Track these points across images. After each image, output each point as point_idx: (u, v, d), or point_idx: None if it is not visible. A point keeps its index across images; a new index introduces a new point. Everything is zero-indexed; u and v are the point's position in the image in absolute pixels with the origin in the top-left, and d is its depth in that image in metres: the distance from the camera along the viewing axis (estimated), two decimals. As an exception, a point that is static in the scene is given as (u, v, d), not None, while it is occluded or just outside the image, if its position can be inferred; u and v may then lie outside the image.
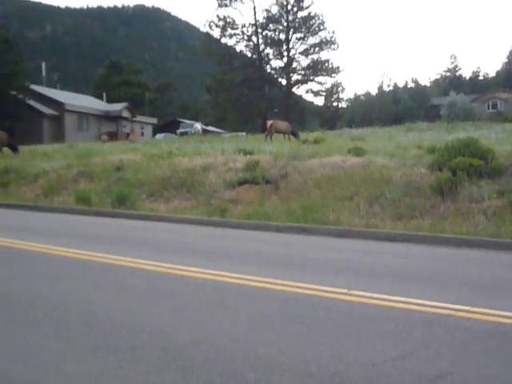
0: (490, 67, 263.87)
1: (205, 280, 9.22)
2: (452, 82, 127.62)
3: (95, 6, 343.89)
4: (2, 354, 6.12)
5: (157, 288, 8.87)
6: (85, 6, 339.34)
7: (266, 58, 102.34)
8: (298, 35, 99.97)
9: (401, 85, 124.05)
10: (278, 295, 8.28)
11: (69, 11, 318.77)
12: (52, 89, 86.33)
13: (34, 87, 75.12)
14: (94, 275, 9.90)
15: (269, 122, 41.48)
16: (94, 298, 8.30)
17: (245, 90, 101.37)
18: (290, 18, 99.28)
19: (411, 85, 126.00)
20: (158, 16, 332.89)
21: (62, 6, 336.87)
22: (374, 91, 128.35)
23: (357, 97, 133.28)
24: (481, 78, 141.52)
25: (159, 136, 74.91)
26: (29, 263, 11.21)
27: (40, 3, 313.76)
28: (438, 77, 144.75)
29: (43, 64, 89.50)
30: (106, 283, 9.26)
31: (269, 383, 5.19)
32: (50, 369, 5.68)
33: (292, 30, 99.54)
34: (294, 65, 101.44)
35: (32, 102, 71.45)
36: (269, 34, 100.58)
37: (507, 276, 10.30)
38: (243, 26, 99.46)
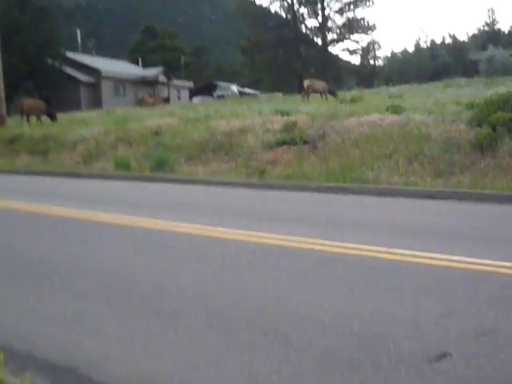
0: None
1: (245, 242, 9.25)
2: (490, 37, 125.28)
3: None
4: (46, 319, 6.21)
5: (199, 251, 8.93)
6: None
7: (301, 18, 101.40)
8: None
9: (438, 41, 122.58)
10: (318, 255, 8.29)
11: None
12: (88, 56, 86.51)
13: (69, 55, 75.38)
14: (135, 239, 9.98)
15: (306, 82, 41.22)
16: (135, 262, 8.38)
17: (280, 51, 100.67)
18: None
19: (449, 40, 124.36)
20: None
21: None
22: (410, 48, 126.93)
23: (394, 54, 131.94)
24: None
25: (196, 99, 74.78)
26: (70, 229, 11.34)
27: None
28: (476, 31, 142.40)
29: (78, 31, 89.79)
30: (147, 247, 9.33)
31: (311, 343, 5.22)
32: (95, 333, 5.76)
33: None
34: (329, 23, 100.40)
35: (68, 70, 71.74)
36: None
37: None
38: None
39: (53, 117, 36.36)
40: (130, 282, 7.38)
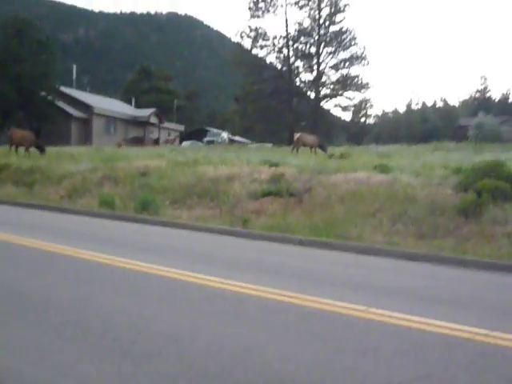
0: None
1: (224, 290, 9.22)
2: (481, 104, 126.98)
3: (128, 11, 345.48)
4: (18, 354, 6.14)
5: (176, 295, 8.88)
6: (118, 11, 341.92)
7: (296, 71, 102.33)
8: (329, 49, 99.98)
9: (429, 104, 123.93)
10: (296, 309, 8.26)
11: (102, 15, 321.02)
12: (82, 91, 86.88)
13: (63, 89, 75.74)
14: (113, 279, 9.93)
15: (296, 135, 41.53)
16: (112, 302, 8.32)
17: (273, 102, 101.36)
18: (322, 31, 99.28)
19: (440, 104, 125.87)
20: (190, 24, 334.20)
21: (96, 9, 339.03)
22: (402, 109, 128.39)
23: (385, 114, 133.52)
24: (510, 100, 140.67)
25: (186, 143, 75.03)
26: (48, 264, 11.29)
27: (74, 6, 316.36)
28: (467, 97, 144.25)
29: (74, 66, 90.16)
30: (125, 288, 9.28)
31: (283, 398, 5.18)
32: (66, 370, 5.70)
33: (323, 43, 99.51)
34: (324, 79, 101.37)
35: (61, 104, 72.04)
36: (300, 46, 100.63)
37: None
38: (274, 37, 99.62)
39: (41, 149, 36.38)
40: (105, 320, 7.32)
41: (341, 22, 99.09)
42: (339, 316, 7.95)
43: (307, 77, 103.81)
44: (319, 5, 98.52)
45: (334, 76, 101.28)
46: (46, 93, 70.35)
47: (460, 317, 8.17)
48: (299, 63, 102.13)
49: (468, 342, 7.00)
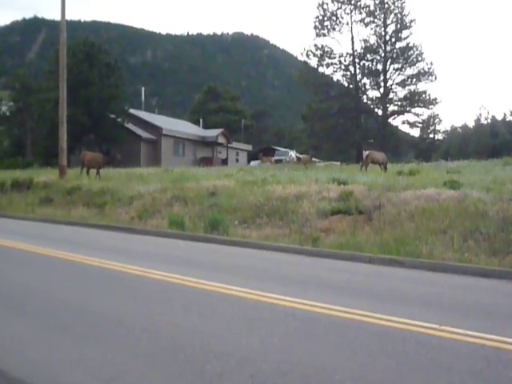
0: None
1: (294, 309, 9.22)
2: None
3: (195, 33, 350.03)
4: (91, 374, 6.23)
5: (247, 315, 8.91)
6: (185, 33, 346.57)
7: (363, 88, 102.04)
8: (396, 66, 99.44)
9: (499, 118, 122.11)
10: (367, 327, 8.22)
11: (169, 37, 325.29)
12: (150, 113, 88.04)
13: (132, 111, 76.88)
14: (184, 299, 10.00)
15: (365, 153, 41.35)
16: (183, 322, 8.38)
17: (340, 120, 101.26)
18: (388, 48, 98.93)
19: (510, 118, 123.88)
20: (256, 43, 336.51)
21: (163, 32, 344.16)
22: (471, 123, 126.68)
23: (453, 129, 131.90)
24: None
25: (254, 163, 75.32)
26: (120, 284, 11.42)
27: (142, 29, 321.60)
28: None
29: (143, 89, 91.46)
30: (196, 307, 9.34)
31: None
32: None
33: (390, 60, 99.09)
34: (391, 95, 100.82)
35: (130, 126, 73.10)
36: (366, 64, 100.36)
37: None
38: (341, 55, 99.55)
39: (110, 161, 37.55)
40: (176, 340, 7.38)
41: (407, 37, 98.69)
42: (411, 334, 7.88)
43: (374, 94, 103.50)
44: (385, 21, 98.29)
45: (401, 92, 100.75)
46: (115, 115, 71.56)
47: (535, 334, 8.04)
48: (366, 80, 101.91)
49: (545, 360, 6.89)
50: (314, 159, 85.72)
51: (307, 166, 41.72)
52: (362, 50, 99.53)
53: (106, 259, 13.99)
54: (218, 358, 6.65)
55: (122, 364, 6.50)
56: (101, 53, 74.45)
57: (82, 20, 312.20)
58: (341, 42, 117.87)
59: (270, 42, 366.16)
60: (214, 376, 6.08)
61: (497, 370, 6.46)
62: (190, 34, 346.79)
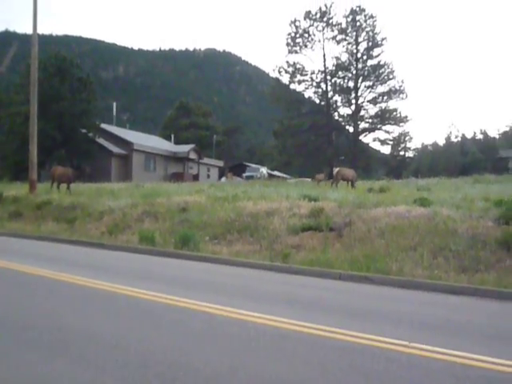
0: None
1: (264, 325, 9.21)
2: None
3: (167, 48, 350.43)
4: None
5: (216, 331, 8.89)
6: (157, 49, 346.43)
7: (334, 105, 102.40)
8: (367, 83, 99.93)
9: (469, 136, 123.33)
10: (337, 344, 8.23)
11: (141, 53, 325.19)
12: (121, 128, 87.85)
13: (104, 126, 76.64)
14: (155, 315, 9.97)
15: (335, 170, 41.56)
16: (152, 338, 8.35)
17: (312, 137, 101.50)
18: (360, 66, 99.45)
19: (479, 136, 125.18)
20: (228, 60, 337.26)
21: (135, 47, 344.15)
22: (441, 142, 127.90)
23: (424, 146, 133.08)
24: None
25: (225, 179, 75.35)
26: (90, 300, 11.35)
27: (114, 44, 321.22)
28: (507, 129, 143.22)
29: (114, 104, 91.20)
30: (166, 324, 9.30)
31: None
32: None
33: (361, 78, 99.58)
34: (362, 113, 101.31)
35: (102, 141, 72.87)
36: (338, 81, 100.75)
37: None
38: (312, 72, 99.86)
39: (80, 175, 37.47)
40: (146, 357, 7.34)
41: (378, 55, 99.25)
42: (381, 351, 7.90)
43: (346, 111, 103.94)
44: (357, 39, 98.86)
45: (372, 110, 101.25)
46: (87, 130, 71.30)
47: (503, 351, 8.10)
48: (337, 97, 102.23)
49: (511, 377, 6.92)
50: (284, 175, 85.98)
51: (319, 184, 40.97)
52: (334, 68, 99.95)
53: (76, 274, 13.91)
54: (187, 375, 6.62)
55: (91, 380, 6.46)
56: (72, 67, 74.17)
57: (54, 34, 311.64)
58: (313, 59, 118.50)
59: (242, 59, 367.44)
60: (184, 393, 6.06)
61: (465, 387, 6.49)
62: (162, 49, 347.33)
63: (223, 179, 73.58)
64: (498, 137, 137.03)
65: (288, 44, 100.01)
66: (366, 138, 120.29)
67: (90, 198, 31.58)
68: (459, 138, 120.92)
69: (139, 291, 11.93)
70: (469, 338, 9.05)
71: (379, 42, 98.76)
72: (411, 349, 8.02)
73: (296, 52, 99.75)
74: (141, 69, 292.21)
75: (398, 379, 6.71)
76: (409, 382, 6.62)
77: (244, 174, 78.82)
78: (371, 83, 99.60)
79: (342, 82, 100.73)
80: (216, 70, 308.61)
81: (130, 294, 11.70)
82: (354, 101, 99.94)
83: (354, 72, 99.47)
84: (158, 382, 6.39)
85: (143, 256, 19.81)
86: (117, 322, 9.36)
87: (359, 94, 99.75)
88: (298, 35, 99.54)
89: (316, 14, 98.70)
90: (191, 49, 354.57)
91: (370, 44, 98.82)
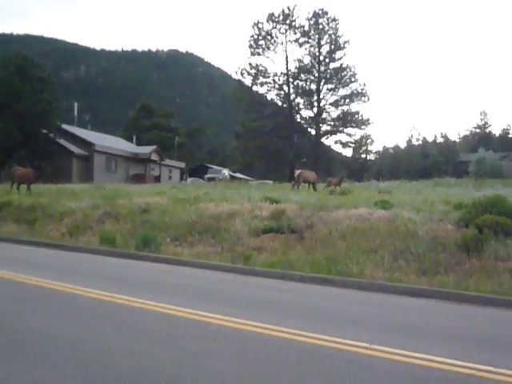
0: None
1: (226, 327, 9.19)
2: (481, 139, 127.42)
3: (130, 49, 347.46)
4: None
5: (177, 333, 8.86)
6: (119, 49, 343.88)
7: (297, 108, 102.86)
8: (329, 86, 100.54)
9: (430, 139, 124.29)
10: (298, 346, 8.24)
11: (104, 53, 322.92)
12: (83, 129, 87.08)
13: (65, 127, 75.85)
14: (115, 317, 9.90)
15: (297, 172, 41.57)
16: (113, 340, 8.29)
17: (274, 139, 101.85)
18: (322, 68, 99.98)
19: (440, 140, 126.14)
20: (190, 61, 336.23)
21: (98, 47, 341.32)
22: (402, 145, 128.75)
23: (385, 149, 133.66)
24: (510, 135, 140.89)
25: (190, 179, 75.13)
26: (50, 302, 11.25)
27: (76, 44, 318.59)
28: (468, 133, 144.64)
29: (75, 104, 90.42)
30: (127, 326, 9.25)
31: None
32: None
33: (323, 80, 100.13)
34: (324, 115, 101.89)
35: (63, 141, 72.12)
36: (300, 83, 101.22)
37: (531, 337, 10.17)
38: (275, 74, 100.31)
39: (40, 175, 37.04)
40: (106, 359, 7.28)
41: (341, 58, 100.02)
42: (341, 353, 7.92)
43: (308, 113, 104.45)
44: (319, 42, 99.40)
45: (334, 112, 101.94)
46: (48, 130, 70.50)
47: (462, 353, 8.16)
48: (300, 100, 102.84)
49: (470, 378, 6.98)
50: (246, 177, 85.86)
51: (333, 189, 39.71)
52: (296, 70, 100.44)
53: (35, 276, 13.77)
54: (148, 377, 6.58)
55: (50, 383, 6.38)
56: (33, 67, 73.35)
57: (15, 33, 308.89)
58: (275, 62, 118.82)
59: (205, 60, 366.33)
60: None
61: (425, 388, 6.52)
62: (124, 49, 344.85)
63: (189, 180, 73.32)
64: (458, 140, 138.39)
65: (251, 46, 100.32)
66: (328, 141, 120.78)
67: (50, 198, 31.27)
68: (420, 142, 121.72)
69: (100, 293, 11.85)
70: (429, 340, 9.11)
71: (341, 45, 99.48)
72: (372, 351, 8.05)
73: (259, 54, 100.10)
74: (103, 69, 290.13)
75: (359, 381, 6.73)
76: (369, 384, 6.65)
77: (206, 176, 78.57)
78: (333, 86, 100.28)
79: (304, 85, 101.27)
80: (178, 72, 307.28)
81: (90, 296, 11.61)
82: (316, 103, 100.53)
83: (317, 75, 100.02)
84: (118, 384, 6.34)
85: (104, 257, 19.67)
86: (77, 324, 9.28)
87: (321, 96, 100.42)
88: (260, 37, 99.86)
89: (279, 16, 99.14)
90: (154, 50, 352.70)
91: (333, 47, 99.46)
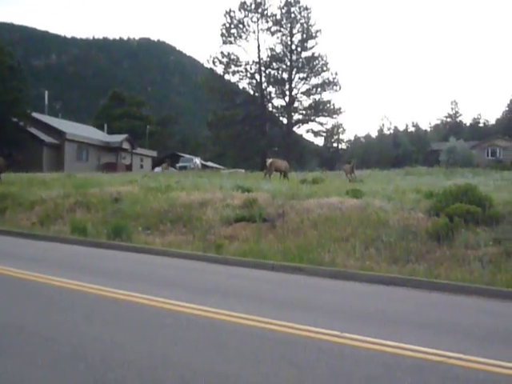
0: (491, 115, 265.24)
1: (197, 316, 9.18)
2: (452, 128, 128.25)
3: (101, 37, 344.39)
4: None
5: (149, 322, 8.83)
6: (91, 37, 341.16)
7: (268, 97, 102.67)
8: (301, 75, 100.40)
9: (401, 128, 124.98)
10: (270, 335, 8.24)
11: (74, 41, 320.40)
12: (53, 117, 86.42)
13: (35, 115, 75.19)
14: (86, 307, 9.85)
15: (268, 161, 41.57)
16: (84, 330, 8.25)
17: (246, 128, 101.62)
18: (294, 57, 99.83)
19: (411, 129, 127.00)
20: (162, 50, 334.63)
21: (68, 35, 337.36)
22: (374, 134, 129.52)
23: (357, 138, 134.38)
24: (481, 125, 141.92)
25: (158, 169, 74.86)
26: (21, 291, 11.18)
27: (46, 32, 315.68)
28: (439, 122, 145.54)
29: (46, 92, 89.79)
30: (98, 315, 9.21)
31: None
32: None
33: (295, 69, 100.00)
34: (296, 104, 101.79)
35: (33, 130, 71.53)
36: (272, 72, 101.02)
37: (500, 325, 10.25)
38: (247, 63, 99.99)
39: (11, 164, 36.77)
40: (77, 349, 7.25)
41: (313, 47, 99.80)
42: (313, 342, 7.94)
43: (280, 102, 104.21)
44: (291, 31, 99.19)
45: (306, 101, 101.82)
46: (18, 119, 69.86)
47: (433, 340, 8.20)
48: (271, 89, 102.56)
49: (441, 366, 7.02)
50: (218, 166, 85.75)
51: (350, 178, 37.63)
52: (268, 59, 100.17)
53: (5, 265, 13.67)
54: (119, 366, 6.55)
55: (20, 373, 6.34)
56: (3, 54, 72.62)
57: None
58: (247, 50, 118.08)
59: (177, 49, 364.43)
60: (115, 385, 6.00)
61: (396, 375, 6.55)
62: (95, 37, 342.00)
63: (159, 169, 72.95)
64: (429, 130, 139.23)
65: (223, 35, 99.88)
66: (300, 130, 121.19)
67: (21, 187, 31.07)
68: (391, 131, 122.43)
69: (70, 282, 11.78)
70: (399, 328, 9.16)
71: (313, 34, 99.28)
72: (343, 339, 8.08)
73: (230, 43, 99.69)
74: (74, 57, 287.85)
75: (330, 369, 6.75)
76: (340, 372, 6.66)
77: (177, 165, 78.34)
78: (305, 75, 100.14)
79: (276, 74, 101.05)
80: (150, 60, 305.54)
81: (60, 286, 11.55)
82: (288, 92, 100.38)
83: (289, 63, 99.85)
84: (90, 374, 6.31)
85: (75, 247, 19.56)
86: (48, 314, 9.23)
87: (293, 85, 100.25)
88: (232, 26, 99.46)
89: (251, 4, 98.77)
90: (125, 38, 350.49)
91: (305, 36, 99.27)
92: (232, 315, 9.21)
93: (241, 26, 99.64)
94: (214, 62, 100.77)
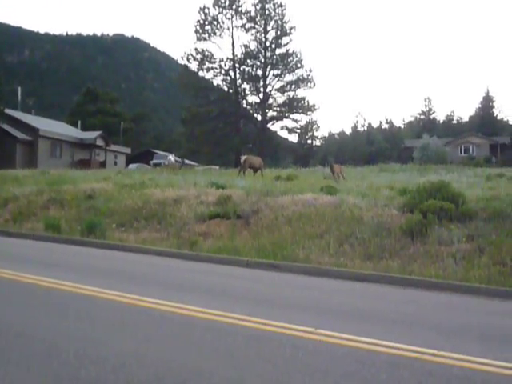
0: (464, 112, 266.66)
1: (172, 313, 9.15)
2: (426, 125, 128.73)
3: (75, 33, 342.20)
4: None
5: (122, 319, 8.79)
6: (64, 33, 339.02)
7: (243, 93, 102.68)
8: (275, 72, 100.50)
9: (375, 125, 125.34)
10: (244, 331, 8.23)
11: (48, 37, 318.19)
12: (27, 114, 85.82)
13: (8, 111, 74.64)
14: (60, 303, 9.80)
15: (243, 158, 41.54)
16: (57, 327, 8.20)
17: (220, 124, 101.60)
18: (268, 54, 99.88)
19: (385, 126, 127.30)
20: (136, 46, 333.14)
21: (42, 31, 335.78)
22: (348, 131, 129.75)
23: (331, 135, 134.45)
24: (454, 122, 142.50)
25: (132, 166, 74.56)
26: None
27: (19, 27, 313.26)
28: (412, 119, 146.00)
29: (19, 88, 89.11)
30: (72, 312, 9.14)
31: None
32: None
33: (269, 66, 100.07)
34: (270, 101, 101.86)
35: (5, 126, 71.02)
36: (246, 69, 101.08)
37: (473, 321, 10.32)
38: (221, 60, 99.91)
39: None
40: (51, 346, 7.19)
41: (287, 44, 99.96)
42: (287, 338, 7.93)
43: (254, 99, 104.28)
44: (265, 28, 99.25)
45: (280, 98, 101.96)
46: (-10, 115, 69.45)
47: (407, 337, 8.23)
48: (246, 85, 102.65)
49: (415, 362, 7.03)
50: (192, 163, 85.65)
51: (336, 178, 35.00)
52: (243, 56, 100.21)
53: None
54: (93, 364, 6.51)
55: (-8, 371, 6.29)
56: (-25, 50, 72.27)
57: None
58: (221, 47, 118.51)
59: (151, 45, 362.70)
60: (89, 382, 5.95)
61: (370, 372, 6.55)
62: (69, 33, 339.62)
63: (133, 166, 72.57)
64: (403, 127, 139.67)
65: (197, 31, 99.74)
66: (274, 127, 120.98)
67: (-7, 184, 30.87)
68: (365, 127, 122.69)
69: (44, 279, 11.69)
70: (374, 324, 9.18)
71: (288, 31, 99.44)
72: (317, 335, 8.08)
73: (205, 39, 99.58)
74: (47, 53, 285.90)
75: (305, 366, 6.74)
76: (315, 369, 6.66)
77: (151, 162, 78.09)
78: (279, 72, 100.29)
79: (250, 70, 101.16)
80: (124, 56, 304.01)
81: (34, 283, 11.46)
82: (262, 89, 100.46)
83: (263, 60, 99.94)
84: (64, 371, 6.26)
85: (49, 244, 19.47)
86: (21, 311, 9.16)
87: (267, 82, 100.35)
88: (206, 22, 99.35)
89: (225, 1, 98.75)
90: (99, 34, 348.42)
91: (279, 33, 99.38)
92: (206, 312, 9.18)
93: (215, 22, 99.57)
94: (188, 59, 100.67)
